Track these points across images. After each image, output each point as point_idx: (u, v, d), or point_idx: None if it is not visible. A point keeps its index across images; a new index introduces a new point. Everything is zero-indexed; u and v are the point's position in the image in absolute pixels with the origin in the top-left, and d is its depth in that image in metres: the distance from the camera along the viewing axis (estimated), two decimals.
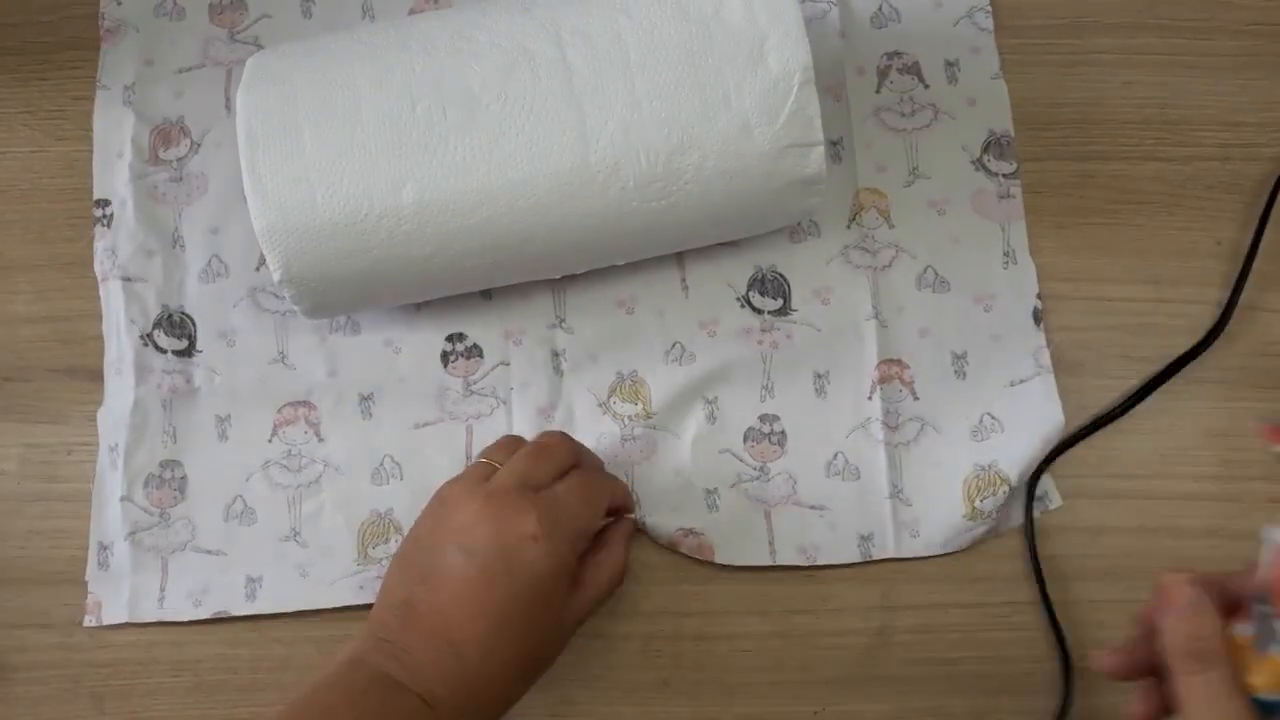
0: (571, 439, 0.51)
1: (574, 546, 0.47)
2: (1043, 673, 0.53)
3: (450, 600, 0.44)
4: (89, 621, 0.54)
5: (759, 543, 0.54)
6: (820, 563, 0.54)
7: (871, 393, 0.56)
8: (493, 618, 0.44)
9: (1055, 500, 0.55)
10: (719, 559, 0.54)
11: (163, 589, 0.55)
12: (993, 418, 0.55)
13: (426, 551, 0.46)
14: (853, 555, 0.54)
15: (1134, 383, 0.56)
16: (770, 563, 0.54)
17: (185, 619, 0.54)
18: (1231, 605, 0.39)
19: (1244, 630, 0.38)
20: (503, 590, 0.44)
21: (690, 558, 0.54)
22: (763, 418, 0.56)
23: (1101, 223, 0.58)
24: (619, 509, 0.52)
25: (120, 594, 0.54)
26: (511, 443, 0.51)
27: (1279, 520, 0.40)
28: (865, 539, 0.54)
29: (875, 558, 0.54)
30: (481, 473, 0.48)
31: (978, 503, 0.54)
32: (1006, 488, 0.54)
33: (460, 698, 0.44)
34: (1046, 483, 0.55)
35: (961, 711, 0.53)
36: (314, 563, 0.55)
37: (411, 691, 0.43)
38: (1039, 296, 0.57)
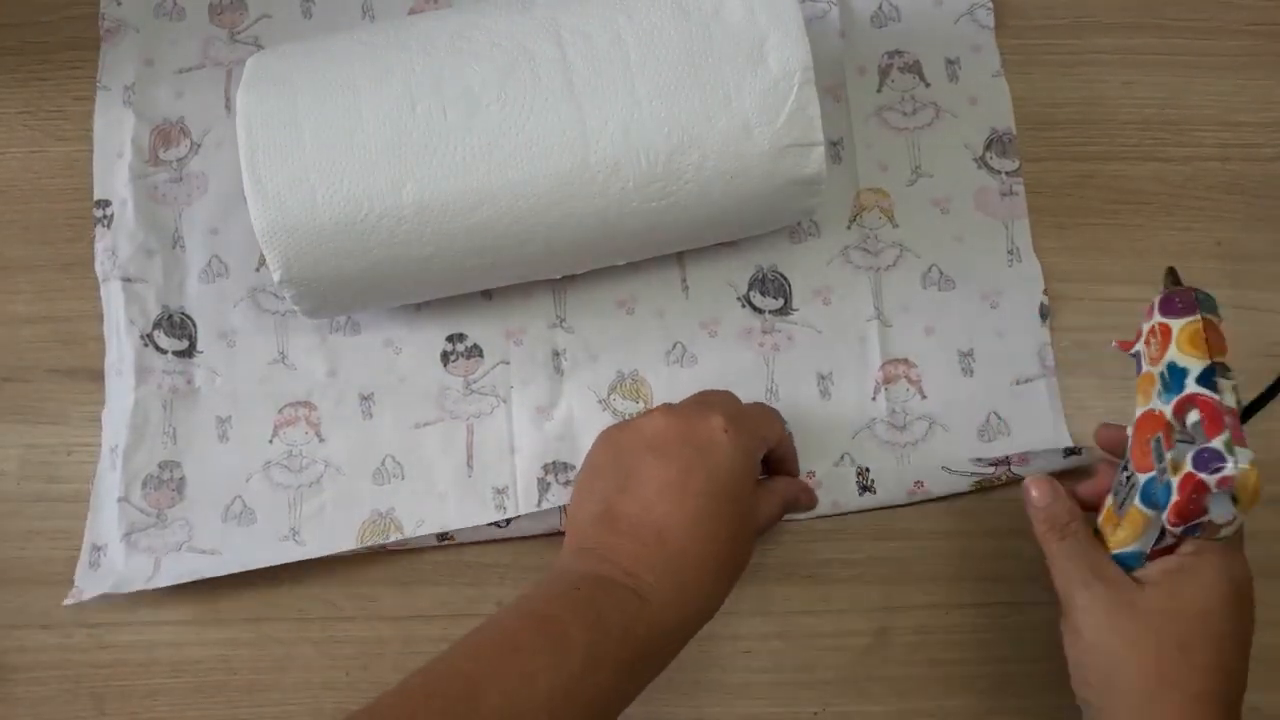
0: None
1: (756, 444, 0.49)
2: (1041, 673, 0.53)
3: (652, 497, 0.46)
4: (69, 601, 0.53)
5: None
6: (823, 513, 0.54)
7: (876, 394, 0.56)
8: (692, 505, 0.46)
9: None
10: None
11: (149, 580, 0.54)
12: (999, 418, 0.55)
13: (617, 466, 0.48)
14: (852, 495, 0.54)
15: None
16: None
17: (163, 585, 0.53)
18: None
19: (1109, 502, 0.46)
20: (699, 480, 0.46)
21: None
22: None
23: (1101, 223, 0.58)
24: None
25: (104, 582, 0.54)
26: None
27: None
28: (863, 475, 0.54)
29: (874, 488, 0.54)
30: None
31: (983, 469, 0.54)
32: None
33: (667, 586, 0.45)
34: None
35: (961, 711, 0.53)
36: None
37: (622, 584, 0.44)
38: (1045, 293, 0.57)
